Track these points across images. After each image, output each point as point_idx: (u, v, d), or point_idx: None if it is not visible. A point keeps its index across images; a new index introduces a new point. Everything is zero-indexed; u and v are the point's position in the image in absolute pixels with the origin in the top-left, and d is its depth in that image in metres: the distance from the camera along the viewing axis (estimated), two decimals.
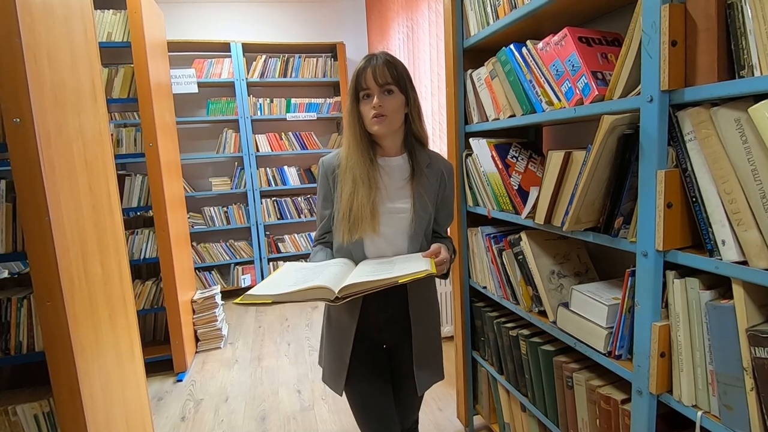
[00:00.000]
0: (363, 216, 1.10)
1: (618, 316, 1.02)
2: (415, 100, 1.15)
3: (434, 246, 1.11)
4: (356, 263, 1.15)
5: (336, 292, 0.89)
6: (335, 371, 1.20)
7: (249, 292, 0.91)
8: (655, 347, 0.90)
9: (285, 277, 1.02)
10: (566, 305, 1.20)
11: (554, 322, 1.25)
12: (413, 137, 1.18)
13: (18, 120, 1.10)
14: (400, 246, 1.16)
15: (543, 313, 1.33)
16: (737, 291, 0.77)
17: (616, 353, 1.04)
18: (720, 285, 0.84)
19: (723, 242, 0.79)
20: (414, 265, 0.98)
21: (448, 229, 1.37)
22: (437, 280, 1.28)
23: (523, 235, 1.34)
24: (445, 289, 2.73)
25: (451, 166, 1.26)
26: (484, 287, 1.65)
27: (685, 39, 0.83)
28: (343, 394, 1.20)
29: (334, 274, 0.99)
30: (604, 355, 1.07)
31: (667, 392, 0.92)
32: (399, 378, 1.24)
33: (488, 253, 1.55)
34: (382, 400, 1.18)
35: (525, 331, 1.45)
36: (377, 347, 1.21)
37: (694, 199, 0.84)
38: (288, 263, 1.16)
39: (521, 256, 1.35)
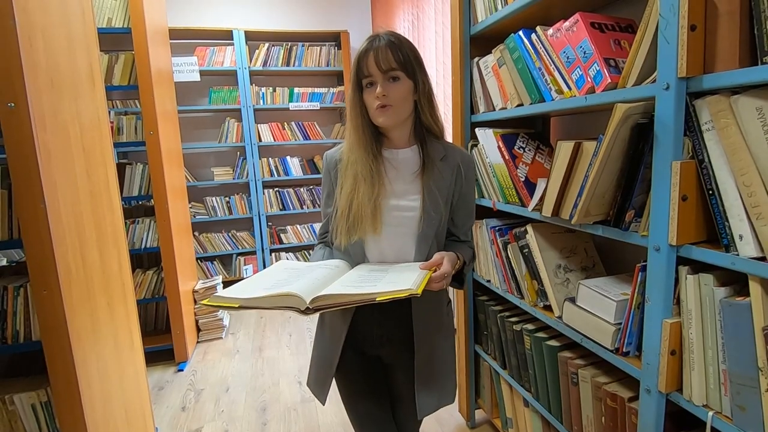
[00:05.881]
0: (363, 215, 0.99)
1: (626, 312, 0.99)
2: (425, 85, 1.02)
3: (436, 256, 0.97)
4: (354, 266, 1.05)
5: (307, 302, 0.79)
6: (320, 378, 1.12)
7: (218, 293, 0.84)
8: (665, 344, 0.87)
9: (266, 278, 0.94)
10: (573, 300, 1.18)
11: (560, 317, 1.22)
12: (424, 127, 1.06)
13: (12, 104, 1.07)
14: (406, 249, 1.04)
15: (548, 308, 1.30)
16: (754, 288, 0.74)
17: (624, 350, 1.01)
18: (735, 281, 0.81)
19: (740, 237, 0.76)
20: (405, 279, 0.86)
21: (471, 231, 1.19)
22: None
23: (529, 228, 1.30)
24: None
25: (470, 157, 1.12)
26: (488, 281, 1.62)
27: (705, 23, 0.79)
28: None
29: (315, 280, 0.89)
30: (612, 351, 1.04)
31: (677, 391, 0.90)
32: (397, 398, 1.13)
33: (493, 247, 1.52)
34: (378, 407, 1.10)
35: (529, 326, 1.42)
36: (373, 361, 1.12)
37: (710, 192, 0.80)
38: (280, 261, 1.09)
39: (527, 250, 1.32)
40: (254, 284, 0.90)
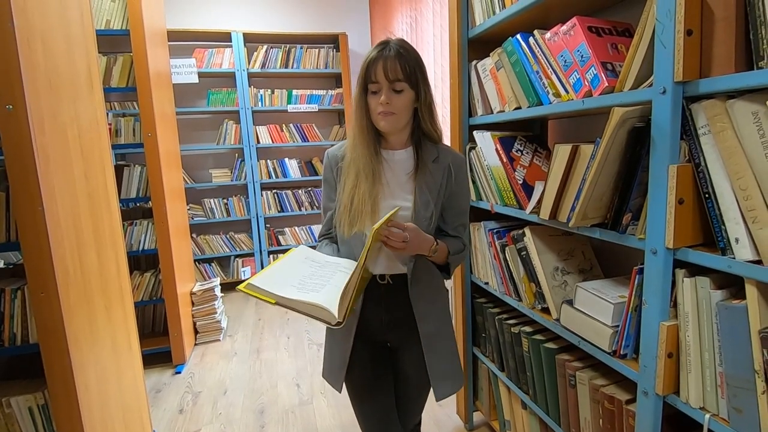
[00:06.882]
0: (363, 210, 1.06)
1: (624, 315, 1.00)
2: (426, 95, 1.08)
3: (411, 224, 1.03)
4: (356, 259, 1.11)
5: (338, 317, 0.84)
6: (335, 368, 1.19)
7: (253, 282, 0.87)
8: (662, 347, 0.88)
9: (292, 271, 0.98)
10: (570, 303, 1.18)
11: (557, 320, 1.22)
12: (422, 132, 1.13)
13: (11, 107, 1.07)
14: None
15: (546, 310, 1.30)
16: (750, 291, 0.74)
17: (621, 352, 1.01)
18: (732, 284, 0.81)
19: (736, 240, 0.76)
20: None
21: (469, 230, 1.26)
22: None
23: (526, 230, 1.31)
24: (446, 284, 2.70)
25: (461, 158, 1.18)
26: (486, 283, 1.62)
27: (701, 28, 0.80)
28: (344, 390, 1.18)
29: (338, 290, 0.91)
30: (609, 354, 1.04)
31: (674, 393, 0.90)
32: (403, 380, 1.20)
33: (491, 249, 1.52)
34: (383, 402, 1.15)
35: (527, 328, 1.43)
36: (381, 347, 1.18)
37: (707, 196, 0.81)
38: (301, 246, 1.10)
39: (524, 252, 1.32)
40: (283, 277, 0.93)
